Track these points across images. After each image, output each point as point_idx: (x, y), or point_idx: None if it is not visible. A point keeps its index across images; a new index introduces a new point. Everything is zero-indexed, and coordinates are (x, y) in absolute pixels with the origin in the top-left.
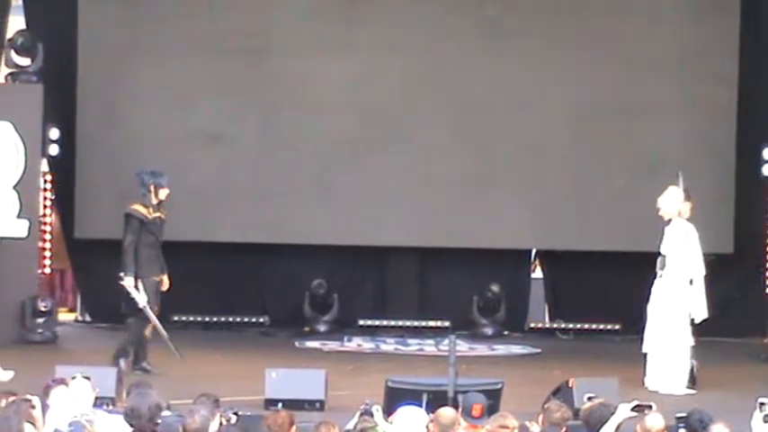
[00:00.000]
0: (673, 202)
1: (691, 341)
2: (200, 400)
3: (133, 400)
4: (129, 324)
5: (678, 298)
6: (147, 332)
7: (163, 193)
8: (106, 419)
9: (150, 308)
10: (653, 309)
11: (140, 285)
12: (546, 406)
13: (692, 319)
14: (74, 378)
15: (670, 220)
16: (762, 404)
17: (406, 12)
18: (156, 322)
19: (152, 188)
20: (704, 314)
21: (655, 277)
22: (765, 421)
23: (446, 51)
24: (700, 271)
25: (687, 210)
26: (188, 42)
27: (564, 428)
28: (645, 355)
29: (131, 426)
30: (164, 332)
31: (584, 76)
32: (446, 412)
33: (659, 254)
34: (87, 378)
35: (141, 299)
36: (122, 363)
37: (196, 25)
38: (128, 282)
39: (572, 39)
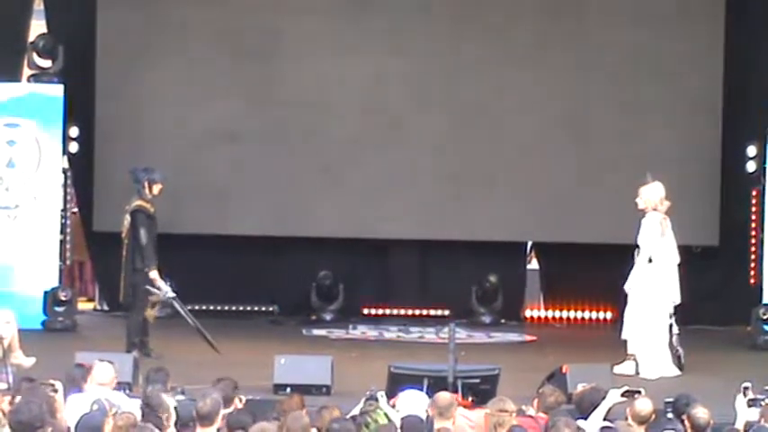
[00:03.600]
0: (653, 195)
1: (676, 329)
2: (220, 386)
3: (150, 397)
4: (128, 317)
5: (656, 286)
6: (151, 318)
7: (156, 188)
8: (126, 402)
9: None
10: (632, 297)
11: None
12: (540, 391)
13: (675, 308)
14: (101, 361)
15: (645, 212)
16: (745, 388)
17: (412, 16)
18: (187, 313)
19: (146, 184)
20: (677, 299)
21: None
22: (750, 405)
23: (449, 54)
24: (674, 259)
25: (667, 204)
26: (202, 43)
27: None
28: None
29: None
30: (196, 322)
31: (577, 77)
32: (443, 395)
33: (637, 246)
34: (111, 362)
35: (168, 291)
36: (135, 354)
37: (210, 27)
38: (153, 275)
39: (568, 43)
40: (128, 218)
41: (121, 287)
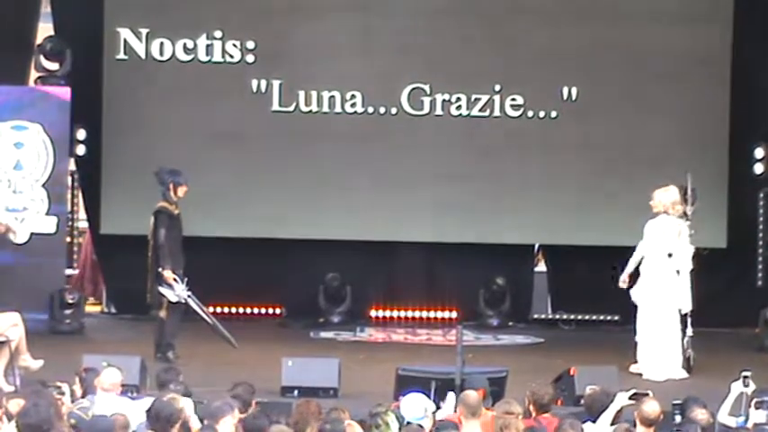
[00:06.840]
0: (665, 198)
1: (689, 331)
2: (238, 390)
3: (157, 406)
4: (162, 317)
5: (662, 289)
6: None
7: (181, 191)
8: (130, 408)
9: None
10: (640, 300)
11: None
12: (534, 391)
13: (684, 312)
14: (109, 366)
15: (657, 214)
16: (745, 377)
17: (417, 15)
18: (204, 311)
19: (171, 186)
20: (688, 306)
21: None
22: (757, 407)
23: (454, 53)
24: (686, 265)
25: (679, 209)
26: (208, 46)
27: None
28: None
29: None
30: (212, 319)
31: (584, 78)
32: (470, 393)
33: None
34: (118, 368)
35: (180, 291)
36: (171, 355)
37: (215, 30)
38: (168, 274)
39: (574, 42)
40: (151, 219)
41: (147, 288)
